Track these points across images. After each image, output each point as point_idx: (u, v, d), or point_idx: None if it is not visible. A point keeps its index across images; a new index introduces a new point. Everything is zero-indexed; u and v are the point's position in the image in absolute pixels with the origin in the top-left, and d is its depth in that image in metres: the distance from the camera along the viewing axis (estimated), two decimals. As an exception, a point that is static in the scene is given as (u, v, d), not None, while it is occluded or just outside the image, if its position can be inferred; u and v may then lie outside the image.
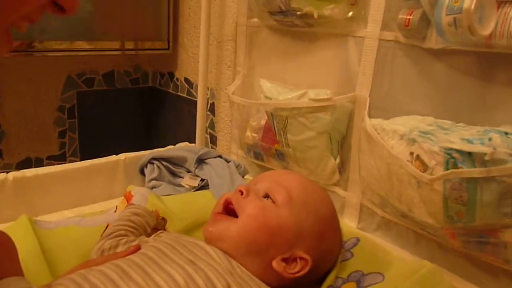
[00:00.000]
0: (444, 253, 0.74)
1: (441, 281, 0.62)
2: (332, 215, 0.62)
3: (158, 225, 0.73)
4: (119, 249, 0.61)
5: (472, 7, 0.57)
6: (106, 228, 0.73)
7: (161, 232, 0.63)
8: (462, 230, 0.64)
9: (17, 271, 0.48)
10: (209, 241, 0.58)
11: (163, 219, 0.75)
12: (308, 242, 0.57)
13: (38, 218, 0.81)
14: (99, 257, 0.61)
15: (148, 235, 0.66)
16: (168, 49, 1.33)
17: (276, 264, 0.55)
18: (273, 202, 0.58)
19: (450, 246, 0.71)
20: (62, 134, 1.39)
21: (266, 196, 0.59)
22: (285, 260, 0.56)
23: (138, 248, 0.56)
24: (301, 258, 0.56)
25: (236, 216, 0.58)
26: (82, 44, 1.20)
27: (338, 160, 0.87)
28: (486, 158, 0.56)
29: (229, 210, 0.59)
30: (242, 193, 0.59)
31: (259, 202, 0.58)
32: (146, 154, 1.03)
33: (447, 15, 0.60)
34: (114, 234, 0.64)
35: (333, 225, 0.62)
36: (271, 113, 0.90)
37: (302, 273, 0.56)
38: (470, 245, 0.65)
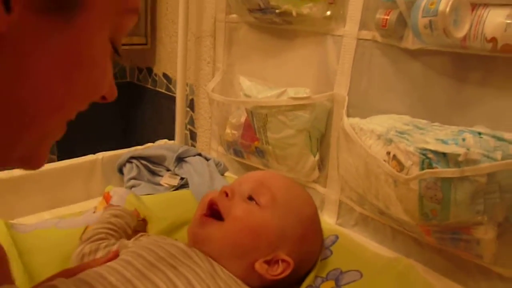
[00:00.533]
0: (420, 249, 0.76)
1: (417, 277, 0.63)
2: (314, 217, 0.63)
3: (138, 226, 0.72)
4: (99, 253, 0.61)
5: (447, 9, 0.58)
6: (85, 229, 0.73)
7: (140, 236, 0.63)
8: (436, 227, 0.66)
9: (8, 279, 0.47)
10: (193, 243, 0.58)
11: (144, 220, 0.74)
12: (290, 245, 0.58)
13: (14, 221, 0.79)
14: (79, 263, 0.60)
15: (129, 237, 0.65)
16: (146, 44, 1.31)
17: (259, 266, 0.55)
18: (257, 204, 0.58)
19: (426, 242, 0.73)
20: (37, 131, 1.36)
21: (250, 198, 0.59)
22: (267, 262, 0.56)
23: (116, 254, 0.56)
24: (283, 261, 0.57)
25: (220, 217, 0.58)
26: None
27: (317, 157, 0.88)
28: (460, 159, 0.57)
29: (213, 211, 0.59)
30: (227, 195, 0.59)
31: (245, 205, 0.58)
32: (124, 153, 1.02)
33: (423, 17, 0.61)
34: (94, 238, 0.63)
35: (315, 227, 0.63)
36: (251, 111, 0.90)
37: (283, 275, 0.56)
38: (444, 242, 0.67)
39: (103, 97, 0.39)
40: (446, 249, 0.71)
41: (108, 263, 0.52)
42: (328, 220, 0.88)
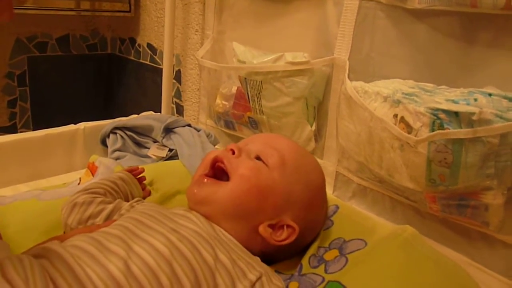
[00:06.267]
0: (420, 219, 0.74)
1: (423, 245, 0.61)
2: (322, 184, 0.60)
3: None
4: (92, 207, 0.56)
5: (462, -39, 0.55)
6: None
7: (136, 201, 0.58)
8: (443, 193, 0.63)
9: None
10: (193, 204, 0.54)
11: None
12: (296, 210, 0.55)
13: (-11, 192, 0.73)
14: (69, 211, 0.56)
15: None
16: (129, 11, 1.23)
17: (263, 230, 0.52)
18: (265, 164, 0.55)
19: (428, 211, 0.71)
20: (12, 104, 1.28)
21: (258, 158, 0.56)
22: (272, 226, 0.53)
23: (113, 221, 0.51)
24: (288, 226, 0.54)
25: (223, 177, 0.54)
26: (30, 2, 1.09)
27: (314, 127, 0.85)
28: (474, 117, 0.54)
29: (216, 171, 0.55)
30: (233, 152, 0.55)
31: (253, 162, 0.54)
32: (108, 123, 0.96)
33: (435, -30, 0.58)
34: (91, 190, 0.59)
35: (322, 195, 0.60)
36: (245, 78, 0.86)
37: (288, 241, 0.53)
38: (450, 209, 0.65)
39: None
40: (447, 218, 0.69)
41: (104, 229, 0.47)
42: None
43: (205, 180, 0.54)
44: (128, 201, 0.62)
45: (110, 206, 0.56)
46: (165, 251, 0.44)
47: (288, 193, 0.54)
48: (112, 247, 0.43)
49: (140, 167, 0.71)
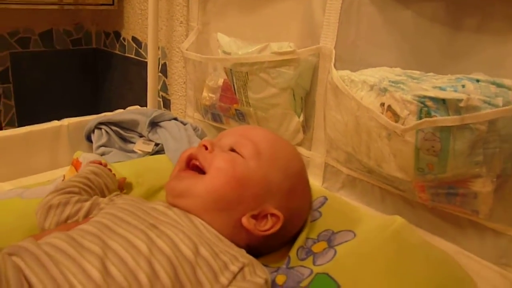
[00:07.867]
0: (410, 208, 0.73)
1: (413, 235, 0.60)
2: (302, 171, 0.59)
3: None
4: (69, 208, 0.54)
5: None
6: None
7: (115, 195, 0.57)
8: (432, 182, 0.62)
9: None
10: (172, 198, 0.53)
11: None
12: (278, 199, 0.54)
13: (-31, 191, 0.71)
14: (45, 214, 0.54)
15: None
16: (112, 4, 1.21)
17: (246, 221, 0.51)
18: (240, 155, 0.54)
19: (418, 200, 0.70)
20: (-5, 101, 1.26)
21: (232, 150, 0.55)
22: (255, 217, 0.52)
23: (90, 218, 0.50)
24: (272, 215, 0.53)
25: (200, 173, 0.53)
26: (12, -3, 1.06)
27: (301, 118, 0.83)
28: (462, 104, 0.53)
29: (192, 167, 0.54)
30: (206, 148, 0.54)
31: (227, 155, 0.54)
32: (92, 118, 0.94)
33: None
34: (65, 190, 0.57)
35: (303, 181, 0.59)
36: (230, 70, 0.84)
37: (273, 230, 0.52)
38: (439, 198, 0.64)
39: None
40: (437, 207, 0.68)
41: (80, 226, 0.46)
42: (314, 183, 0.84)
43: (183, 173, 0.53)
44: (104, 194, 0.60)
45: (87, 204, 0.54)
46: (143, 248, 0.42)
47: (267, 182, 0.53)
48: (87, 244, 0.42)
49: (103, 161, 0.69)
